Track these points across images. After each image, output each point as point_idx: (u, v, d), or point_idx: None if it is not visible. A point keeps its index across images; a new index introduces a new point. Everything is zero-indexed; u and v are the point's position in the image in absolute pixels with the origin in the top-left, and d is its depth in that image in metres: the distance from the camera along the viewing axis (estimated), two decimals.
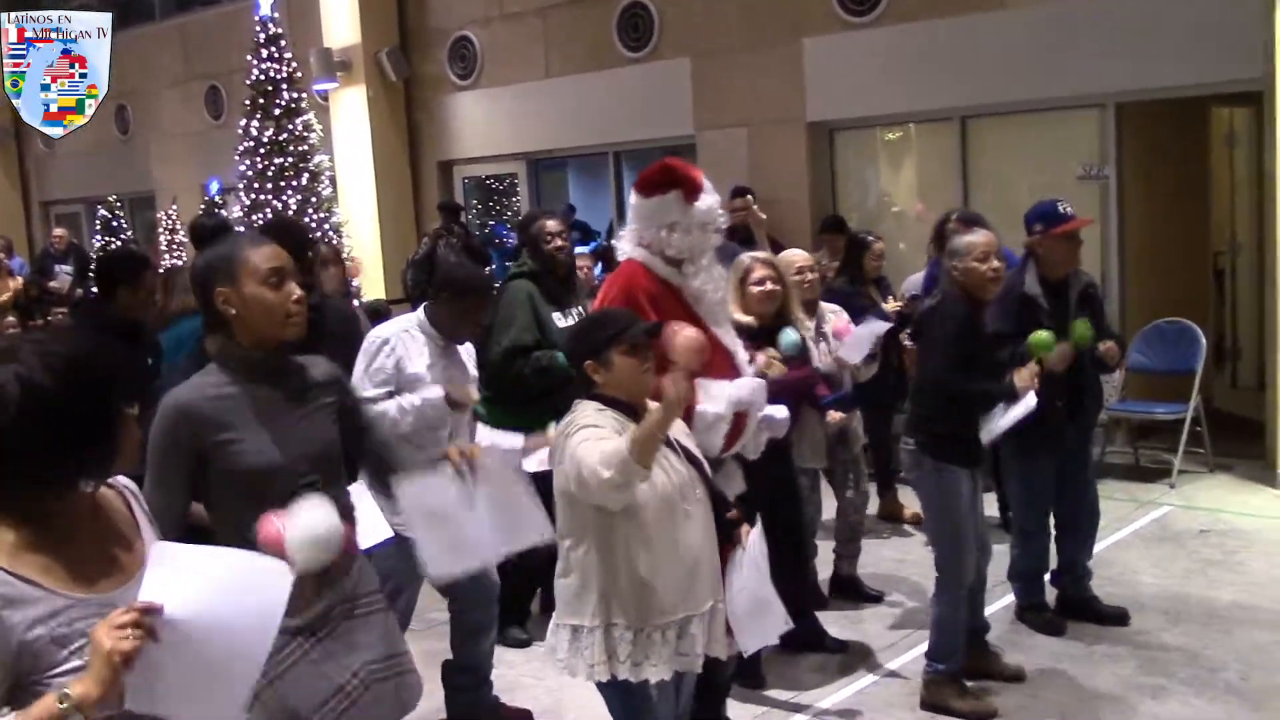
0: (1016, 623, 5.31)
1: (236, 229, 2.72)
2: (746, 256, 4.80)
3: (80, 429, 1.94)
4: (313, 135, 11.25)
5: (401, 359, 4.27)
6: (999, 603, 5.42)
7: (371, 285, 11.79)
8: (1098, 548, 5.61)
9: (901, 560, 6.26)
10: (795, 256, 5.50)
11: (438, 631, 4.76)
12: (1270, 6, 7.00)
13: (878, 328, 5.43)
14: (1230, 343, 9.63)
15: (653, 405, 3.05)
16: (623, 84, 10.49)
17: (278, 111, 11.12)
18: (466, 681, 4.51)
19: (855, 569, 5.82)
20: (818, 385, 4.98)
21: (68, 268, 13.87)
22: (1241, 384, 9.72)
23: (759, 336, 4.63)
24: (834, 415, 5.17)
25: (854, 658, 5.10)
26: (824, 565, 5.73)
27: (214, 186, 13.25)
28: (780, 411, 4.11)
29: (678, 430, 3.34)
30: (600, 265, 10.63)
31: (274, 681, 2.69)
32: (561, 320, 5.30)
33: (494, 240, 12.55)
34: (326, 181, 11.49)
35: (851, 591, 5.76)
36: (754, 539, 3.42)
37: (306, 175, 11.23)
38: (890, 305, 6.67)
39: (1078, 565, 5.42)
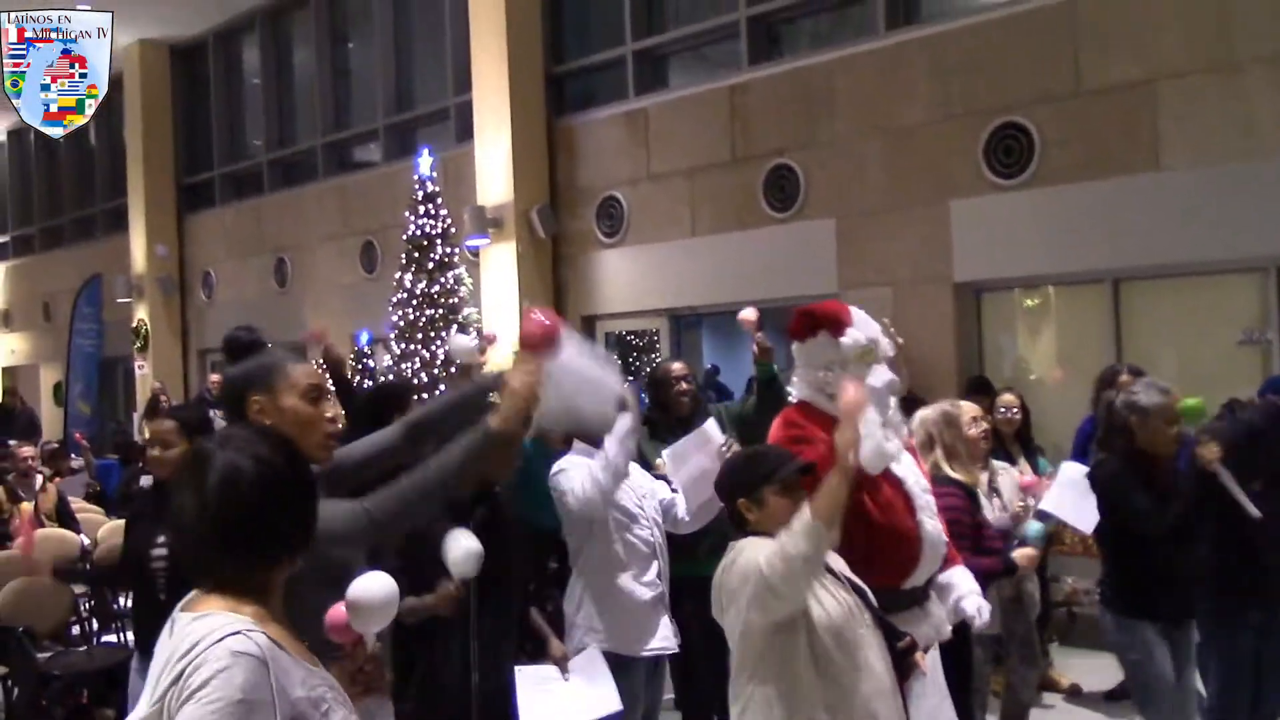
0: None
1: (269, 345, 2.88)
2: (949, 405, 4.83)
3: (303, 503, 2.08)
4: (463, 288, 11.63)
5: None
6: None
7: None
8: None
9: None
10: (968, 407, 5.47)
11: None
12: None
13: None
14: None
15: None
16: (767, 243, 10.65)
17: (431, 265, 11.57)
18: None
19: None
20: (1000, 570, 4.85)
21: (221, 412, 14.40)
22: None
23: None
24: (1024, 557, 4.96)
25: None
26: None
27: (364, 337, 13.70)
28: (973, 602, 4.01)
29: (836, 562, 3.30)
30: None
31: None
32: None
33: None
34: (474, 334, 11.82)
35: None
36: (932, 661, 3.40)
37: (455, 327, 11.58)
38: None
39: None
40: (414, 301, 11.61)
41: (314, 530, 2.11)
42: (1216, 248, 8.10)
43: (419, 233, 11.75)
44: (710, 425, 4.88)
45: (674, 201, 11.58)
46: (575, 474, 4.49)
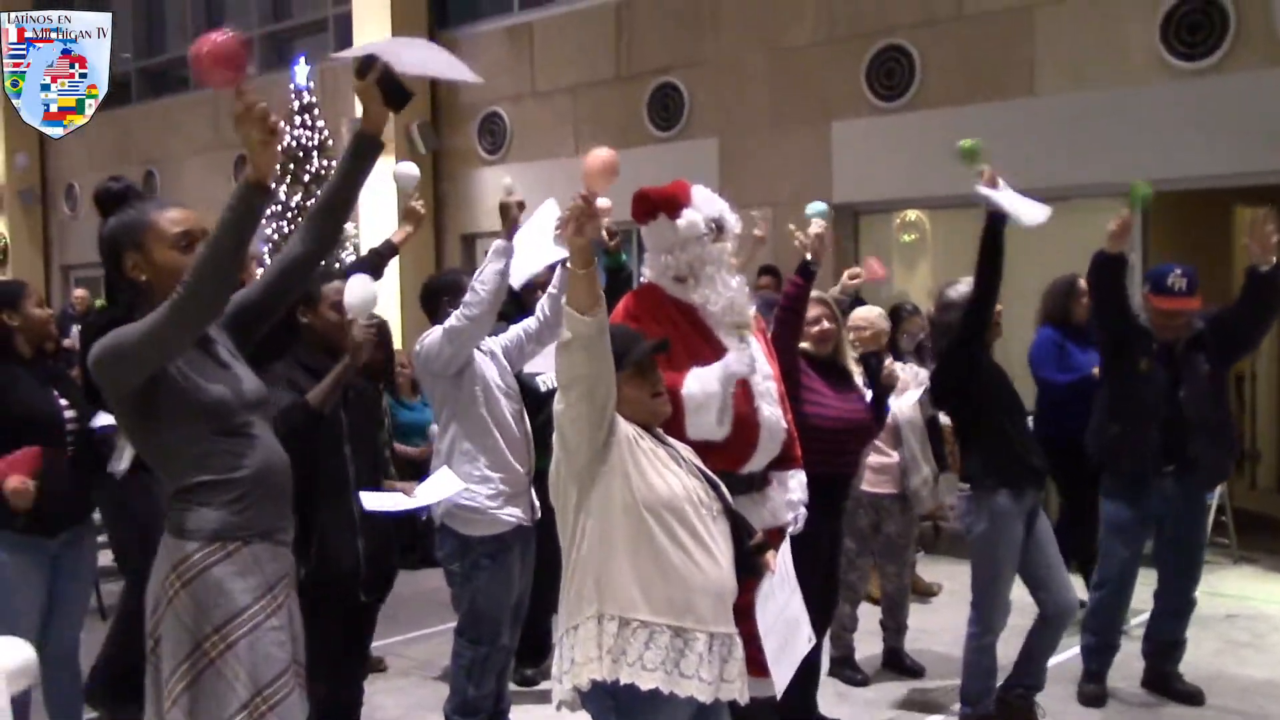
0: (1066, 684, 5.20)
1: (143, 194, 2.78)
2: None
3: None
4: None
5: None
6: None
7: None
8: (1126, 627, 5.56)
9: (924, 630, 6.15)
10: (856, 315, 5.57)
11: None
12: None
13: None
14: (1249, 445, 9.60)
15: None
16: (650, 161, 10.55)
17: (307, 178, 11.30)
18: None
19: (900, 642, 5.75)
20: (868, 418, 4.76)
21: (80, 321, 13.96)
22: (1261, 486, 9.66)
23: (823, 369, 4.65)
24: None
25: None
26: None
27: None
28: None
29: (686, 451, 3.13)
30: None
31: (241, 639, 2.65)
32: None
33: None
34: (351, 249, 11.60)
35: (896, 665, 5.71)
36: (781, 559, 3.19)
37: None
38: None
39: (1165, 641, 5.27)
40: (289, 215, 11.35)
41: None
42: (1086, 172, 8.30)
43: (295, 145, 11.47)
44: (549, 203, 4.68)
45: (557, 119, 11.46)
46: (432, 333, 4.35)
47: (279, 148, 2.62)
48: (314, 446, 3.83)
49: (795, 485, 3.99)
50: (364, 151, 2.89)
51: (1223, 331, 5.04)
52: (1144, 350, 4.97)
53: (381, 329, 5.23)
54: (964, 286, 4.79)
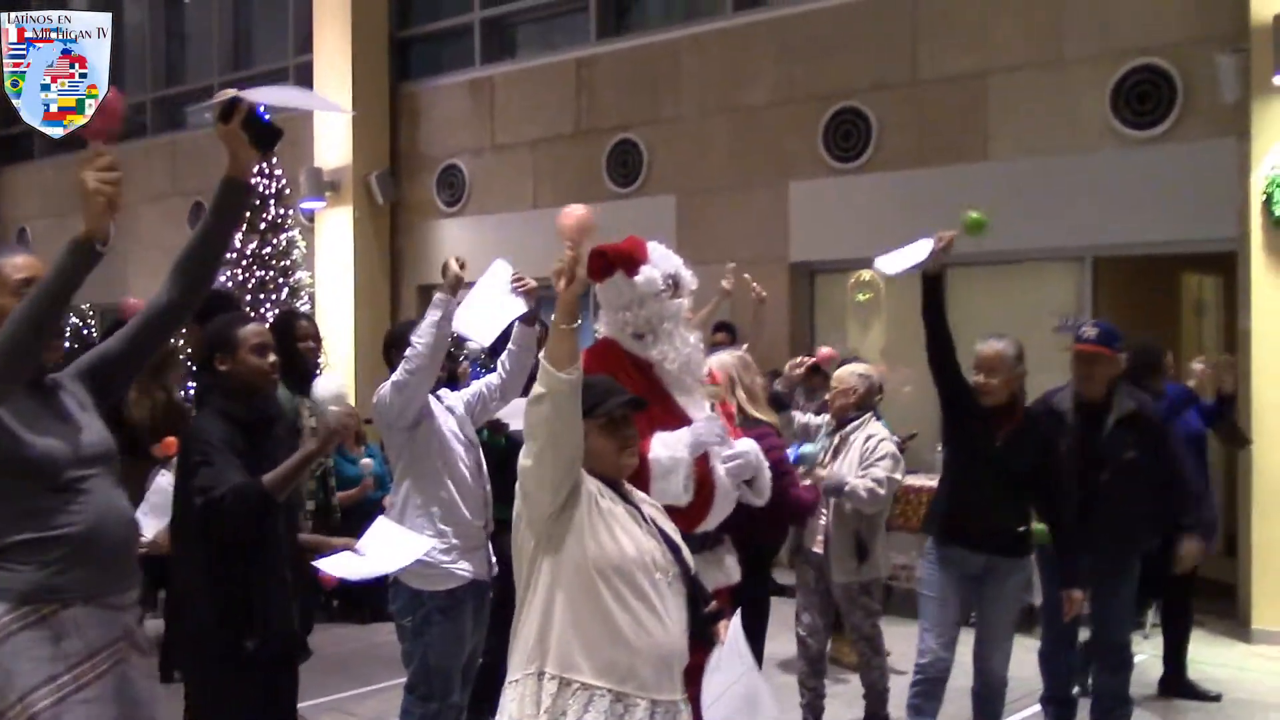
0: None
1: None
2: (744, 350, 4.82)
3: None
4: (296, 252, 11.34)
5: None
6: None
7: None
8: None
9: None
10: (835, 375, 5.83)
11: None
12: (1245, 169, 7.26)
13: None
14: None
15: None
16: (609, 217, 10.58)
17: (263, 226, 11.23)
18: None
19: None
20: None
21: None
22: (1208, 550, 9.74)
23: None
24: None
25: None
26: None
27: None
28: (745, 443, 3.93)
29: (651, 510, 3.06)
30: None
31: (45, 709, 2.56)
32: None
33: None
34: (306, 298, 11.55)
35: None
36: (733, 631, 3.10)
37: (286, 290, 11.28)
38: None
39: (1109, 700, 5.22)
40: (244, 262, 11.26)
41: None
42: (1038, 237, 8.43)
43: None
44: (499, 263, 4.64)
45: (517, 173, 11.50)
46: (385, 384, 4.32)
47: (113, 214, 2.61)
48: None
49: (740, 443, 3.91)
50: (231, 197, 2.89)
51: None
52: (1062, 433, 5.01)
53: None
54: (997, 342, 4.81)
